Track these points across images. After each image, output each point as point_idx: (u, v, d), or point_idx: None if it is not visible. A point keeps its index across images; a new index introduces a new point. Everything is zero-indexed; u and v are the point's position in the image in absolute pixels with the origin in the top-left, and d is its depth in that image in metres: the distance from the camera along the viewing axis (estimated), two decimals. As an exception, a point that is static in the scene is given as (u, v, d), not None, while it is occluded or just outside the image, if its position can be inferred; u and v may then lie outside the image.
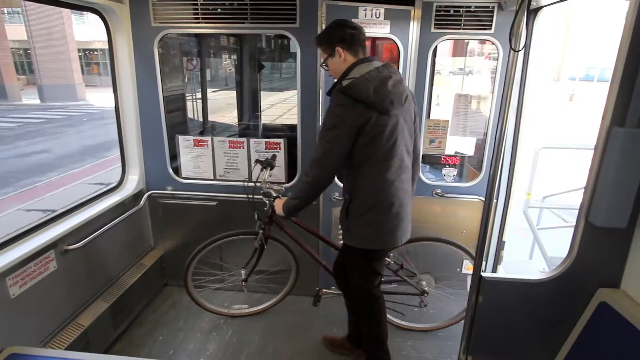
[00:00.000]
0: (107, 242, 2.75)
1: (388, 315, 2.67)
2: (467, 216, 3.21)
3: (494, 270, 3.20)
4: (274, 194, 2.50)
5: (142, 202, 3.08)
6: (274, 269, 3.08)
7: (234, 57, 4.60)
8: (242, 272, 2.91)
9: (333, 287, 2.84)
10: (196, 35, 3.69)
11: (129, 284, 2.85)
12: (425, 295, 2.80)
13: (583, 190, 1.55)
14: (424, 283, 2.81)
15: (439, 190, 3.16)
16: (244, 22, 2.73)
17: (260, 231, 2.70)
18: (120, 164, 3.09)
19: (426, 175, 3.20)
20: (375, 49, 4.00)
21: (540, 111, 17.05)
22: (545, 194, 4.16)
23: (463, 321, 2.03)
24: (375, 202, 2.02)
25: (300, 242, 2.74)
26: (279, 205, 2.25)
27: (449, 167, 3.17)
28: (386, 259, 2.58)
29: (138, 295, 2.87)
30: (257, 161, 2.75)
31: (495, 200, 2.89)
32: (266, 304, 3.12)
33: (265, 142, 2.98)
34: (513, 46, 1.57)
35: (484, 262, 1.95)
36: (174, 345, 2.76)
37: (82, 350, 2.26)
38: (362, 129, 1.89)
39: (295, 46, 2.78)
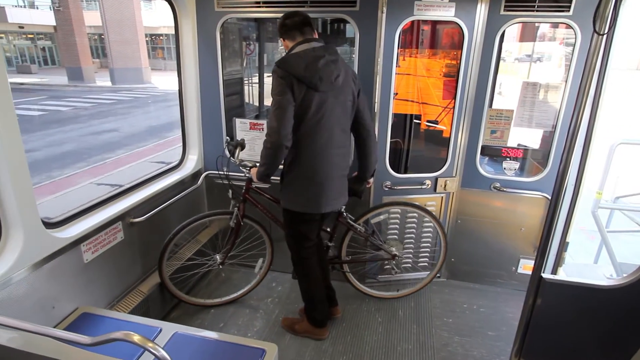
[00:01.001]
0: (167, 217, 2.93)
1: (363, 286, 3.09)
2: (527, 213, 3.04)
3: (554, 272, 3.01)
4: (250, 164, 2.69)
5: (199, 182, 3.22)
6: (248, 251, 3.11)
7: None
8: (217, 257, 2.96)
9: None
10: (255, 19, 3.75)
11: (185, 258, 3.02)
12: (397, 258, 2.95)
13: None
14: (393, 249, 2.96)
15: (497, 184, 3.00)
16: (303, 6, 2.72)
17: (236, 209, 2.79)
18: (181, 144, 3.25)
19: (484, 168, 3.05)
20: (434, 33, 3.83)
21: (619, 102, 15.53)
22: (619, 194, 3.80)
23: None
24: (301, 170, 2.28)
25: (274, 219, 2.84)
26: (254, 173, 2.48)
27: (510, 160, 2.99)
28: (357, 225, 2.82)
29: (193, 269, 3.04)
30: (228, 143, 2.91)
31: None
32: (245, 289, 3.10)
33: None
34: (597, 29, 1.42)
35: (544, 263, 1.83)
36: (224, 318, 2.90)
37: (143, 315, 2.44)
38: (295, 98, 2.14)
39: (353, 31, 2.73)
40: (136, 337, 1.02)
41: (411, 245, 3.23)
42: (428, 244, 3.24)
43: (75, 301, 2.17)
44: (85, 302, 2.23)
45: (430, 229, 3.19)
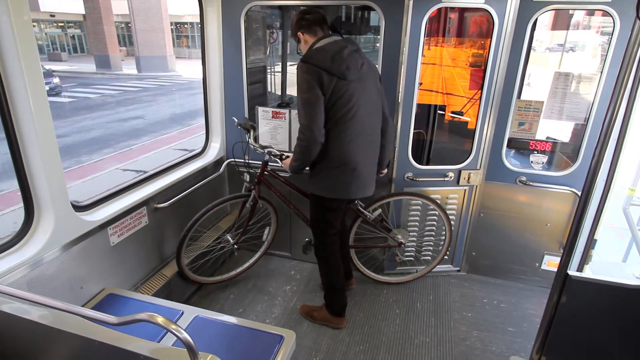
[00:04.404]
0: (190, 203, 2.98)
1: (368, 270, 3.14)
2: (554, 208, 2.95)
3: (580, 269, 2.92)
4: (278, 153, 2.75)
5: (221, 169, 3.27)
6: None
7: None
8: (229, 237, 3.05)
9: None
10: (279, 7, 3.72)
11: (206, 244, 3.08)
12: (402, 246, 3.02)
13: None
14: (399, 236, 2.99)
15: (523, 178, 2.92)
16: None
17: (253, 191, 2.86)
18: (204, 132, 3.29)
19: (510, 161, 2.96)
20: (462, 22, 3.73)
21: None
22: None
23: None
24: (334, 158, 2.28)
25: (287, 201, 2.93)
26: (286, 164, 2.52)
27: (538, 153, 2.90)
28: (367, 212, 2.85)
29: (212, 250, 3.10)
30: (238, 124, 2.95)
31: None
32: (255, 257, 3.25)
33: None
34: (640, 15, 1.33)
35: (571, 260, 1.78)
36: (243, 304, 2.96)
37: (165, 298, 2.51)
38: (325, 92, 2.14)
39: (378, 18, 2.68)
40: (160, 319, 1.05)
41: (430, 237, 3.19)
42: (440, 234, 3.21)
43: (102, 282, 2.25)
44: (111, 283, 2.31)
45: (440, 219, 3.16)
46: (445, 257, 3.18)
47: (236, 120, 3.05)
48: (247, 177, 2.94)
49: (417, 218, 3.13)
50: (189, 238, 2.77)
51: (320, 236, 2.60)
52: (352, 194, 2.38)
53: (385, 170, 2.72)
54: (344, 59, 2.14)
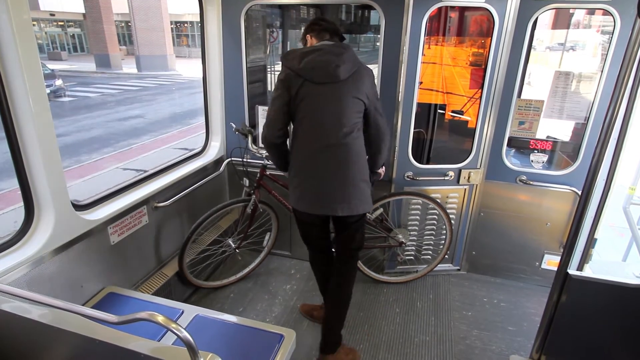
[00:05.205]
0: (190, 202, 2.98)
1: (369, 270, 3.13)
2: (554, 207, 2.95)
3: (580, 268, 2.92)
4: None
5: (222, 168, 3.26)
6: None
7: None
8: (230, 241, 3.06)
9: None
10: (279, 6, 3.72)
11: (207, 243, 3.08)
12: (404, 245, 3.04)
13: None
14: (400, 236, 3.01)
15: (523, 177, 2.92)
16: None
17: (253, 196, 2.89)
18: (204, 131, 3.29)
19: (510, 160, 2.97)
20: (462, 21, 3.72)
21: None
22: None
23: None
24: (296, 166, 2.19)
25: (286, 204, 2.92)
26: None
27: (538, 152, 2.90)
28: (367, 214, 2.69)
29: (214, 254, 3.10)
30: (236, 130, 3.00)
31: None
32: (255, 262, 3.27)
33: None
34: (640, 15, 1.33)
35: (571, 259, 1.78)
36: (243, 303, 2.96)
37: (165, 297, 2.51)
38: (291, 93, 2.07)
39: (378, 17, 2.68)
40: (160, 318, 1.05)
41: (431, 236, 3.19)
42: (440, 233, 3.21)
43: (102, 281, 2.25)
44: (111, 282, 2.31)
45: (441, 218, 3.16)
46: (446, 256, 3.18)
47: (234, 125, 3.06)
48: (246, 182, 2.94)
49: (418, 217, 3.13)
50: (192, 241, 2.77)
51: (307, 248, 2.53)
52: (311, 208, 2.17)
53: (382, 171, 2.52)
54: (314, 61, 2.02)
